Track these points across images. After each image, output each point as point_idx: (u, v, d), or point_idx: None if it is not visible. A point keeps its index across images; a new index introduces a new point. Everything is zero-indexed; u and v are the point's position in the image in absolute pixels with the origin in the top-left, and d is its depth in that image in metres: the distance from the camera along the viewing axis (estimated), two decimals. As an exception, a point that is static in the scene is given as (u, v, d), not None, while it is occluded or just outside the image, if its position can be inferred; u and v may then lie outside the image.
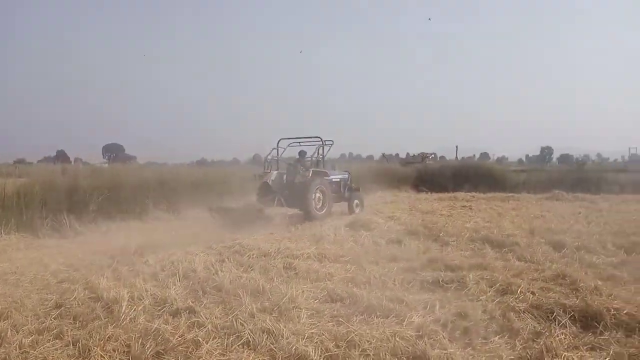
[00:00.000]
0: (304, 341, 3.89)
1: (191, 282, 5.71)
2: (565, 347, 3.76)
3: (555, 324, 4.25)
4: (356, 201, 13.77)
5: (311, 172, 12.64)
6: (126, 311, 4.63)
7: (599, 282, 5.42)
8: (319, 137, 13.33)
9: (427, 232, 9.13)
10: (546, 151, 72.77)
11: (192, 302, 4.93)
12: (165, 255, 7.13)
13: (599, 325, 4.17)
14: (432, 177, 26.34)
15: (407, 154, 50.48)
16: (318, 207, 12.34)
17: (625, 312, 4.31)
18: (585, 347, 3.78)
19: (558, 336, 3.94)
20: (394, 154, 56.35)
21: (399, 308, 4.66)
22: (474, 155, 55.79)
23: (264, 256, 7.06)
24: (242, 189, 17.02)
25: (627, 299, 4.83)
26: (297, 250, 7.30)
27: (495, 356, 3.59)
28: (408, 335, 3.98)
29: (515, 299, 4.90)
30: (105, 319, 4.57)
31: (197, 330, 4.22)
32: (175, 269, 6.22)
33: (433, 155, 44.52)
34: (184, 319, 4.49)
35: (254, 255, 7.12)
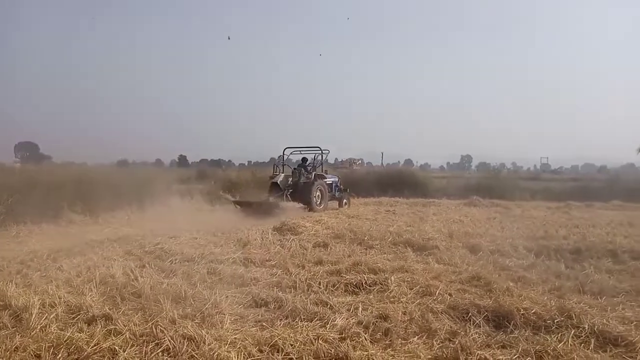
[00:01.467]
0: (226, 347, 3.84)
1: (109, 289, 5.46)
2: (479, 345, 3.95)
3: (470, 324, 4.45)
4: (345, 200, 17.65)
5: (313, 175, 16.34)
6: (37, 319, 4.35)
7: (511, 284, 5.77)
8: (318, 147, 17.10)
9: (352, 235, 9.29)
10: (466, 159, 76.58)
11: (110, 309, 4.71)
12: (81, 261, 6.79)
13: (510, 324, 4.42)
14: (358, 182, 26.84)
15: (335, 159, 51.25)
16: (318, 202, 15.94)
17: (533, 311, 4.59)
18: (497, 345, 3.99)
19: (472, 335, 4.13)
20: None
21: (323, 311, 4.71)
22: (399, 161, 57.59)
23: (187, 261, 6.90)
24: (168, 191, 16.58)
25: (535, 299, 5.16)
26: (222, 255, 7.20)
27: (413, 356, 3.71)
28: (331, 338, 4.02)
29: (434, 300, 5.11)
30: (13, 328, 4.28)
31: (114, 338, 4.04)
32: (92, 275, 5.93)
33: (360, 161, 45.44)
34: (100, 326, 4.28)
35: (177, 261, 6.94)
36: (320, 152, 17.23)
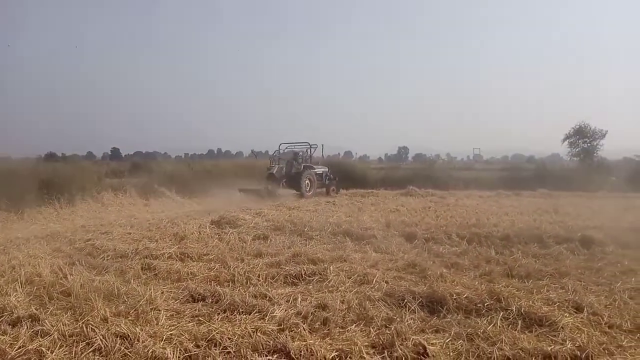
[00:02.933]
0: (162, 343, 3.74)
1: (35, 288, 5.19)
2: (414, 331, 4.06)
3: (406, 310, 4.57)
4: (332, 187, 20.54)
5: (302, 166, 19.60)
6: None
7: (444, 270, 5.99)
8: (307, 142, 21.04)
9: (292, 227, 9.30)
10: (403, 150, 78.27)
11: (36, 310, 4.48)
12: (4, 260, 6.39)
13: (443, 309, 4.58)
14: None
15: (266, 151, 50.93)
16: (307, 189, 19.08)
17: (465, 296, 4.78)
18: (430, 330, 4.12)
19: (408, 321, 4.24)
20: (263, 151, 56.45)
21: (262, 303, 4.69)
22: (339, 153, 57.94)
23: (121, 257, 6.67)
24: (100, 185, 15.95)
25: (467, 284, 5.38)
26: (158, 250, 7.00)
27: (351, 343, 3.75)
28: (270, 330, 4.01)
29: (371, 288, 5.21)
30: None
31: (40, 339, 3.84)
32: (17, 274, 5.60)
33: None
34: (25, 328, 4.06)
35: (109, 257, 6.69)
36: (309, 146, 20.94)
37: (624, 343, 3.84)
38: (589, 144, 34.15)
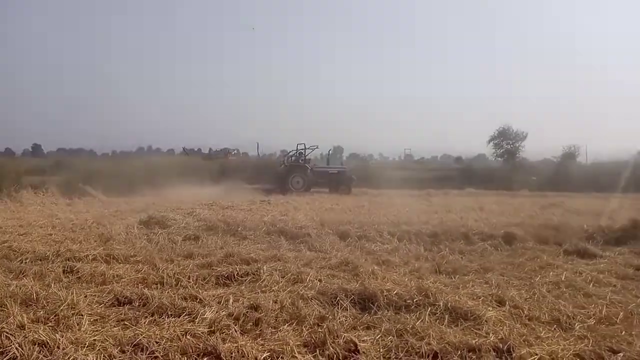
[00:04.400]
0: (84, 350, 3.55)
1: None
2: (346, 328, 4.09)
3: (338, 308, 4.60)
4: (342, 187, 22.09)
5: (289, 167, 22.75)
6: None
7: (376, 267, 6.11)
8: (303, 143, 23.19)
9: (225, 227, 9.14)
10: (338, 150, 78.96)
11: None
12: None
13: (374, 305, 4.65)
14: (235, 172, 26.58)
15: (210, 149, 50.04)
16: (298, 186, 21.69)
17: (395, 292, 4.87)
18: (362, 327, 4.18)
19: (340, 319, 4.28)
20: (196, 149, 55.24)
21: (193, 305, 4.57)
22: (276, 152, 57.74)
23: (40, 260, 6.27)
24: (19, 184, 15.02)
25: (398, 280, 5.51)
26: (81, 252, 6.65)
27: (283, 343, 3.73)
28: (200, 332, 3.91)
29: (305, 287, 5.20)
30: None
31: (-53, 351, 3.54)
32: None
33: (236, 151, 44.90)
34: None
35: (28, 260, 6.28)
36: (304, 147, 23.19)
37: (542, 334, 4.06)
38: (511, 146, 36.08)
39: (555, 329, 4.24)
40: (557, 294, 5.34)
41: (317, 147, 25.03)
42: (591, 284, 5.72)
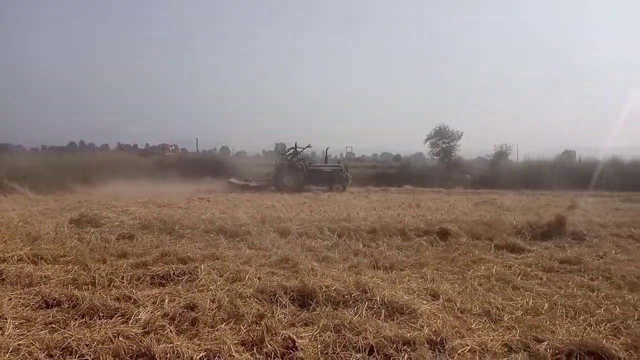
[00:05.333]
0: (7, 355, 3.36)
1: None
2: (284, 325, 4.08)
3: (277, 305, 4.59)
4: (338, 186, 22.38)
5: (281, 165, 23.32)
6: None
7: (315, 264, 6.13)
8: (295, 143, 24.02)
9: (162, 225, 8.89)
10: (280, 147, 78.64)
11: None
12: None
13: (313, 302, 4.66)
14: (172, 169, 25.97)
15: (147, 144, 48.67)
16: (289, 184, 22.10)
17: (334, 288, 4.90)
18: (300, 324, 4.18)
19: (278, 316, 4.27)
20: (131, 144, 53.47)
21: (126, 306, 4.41)
22: (215, 148, 56.78)
23: (-41, 262, 5.86)
24: None
25: (337, 276, 5.56)
26: (6, 252, 6.26)
27: (220, 342, 3.67)
28: (133, 334, 3.79)
29: (243, 285, 5.14)
30: None
31: None
32: None
33: (174, 147, 43.87)
34: None
35: (-56, 262, 5.85)
36: (300, 148, 24.03)
37: (473, 326, 4.22)
38: (447, 145, 37.27)
39: (485, 320, 4.42)
40: (488, 287, 5.57)
41: (309, 146, 26.01)
42: (519, 277, 6.01)
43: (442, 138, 37.36)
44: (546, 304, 4.88)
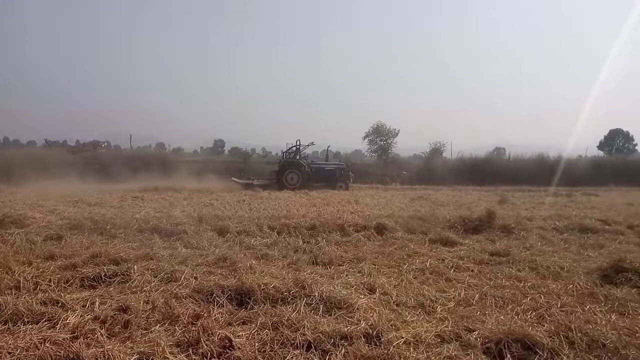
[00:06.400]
0: None
1: None
2: (221, 325, 4.02)
3: (214, 305, 4.51)
4: (340, 184, 22.78)
5: (285, 163, 23.07)
6: None
7: (254, 262, 6.07)
8: (299, 140, 23.84)
9: (93, 225, 8.52)
10: (219, 143, 77.47)
11: None
12: None
13: (251, 300, 4.62)
14: (104, 166, 24.99)
15: (77, 141, 46.55)
16: (292, 183, 22.11)
17: (272, 285, 4.87)
18: (238, 322, 4.14)
19: (215, 316, 4.20)
20: (60, 141, 50.94)
21: (53, 310, 4.19)
22: (150, 145, 55.08)
23: None
24: None
25: (275, 274, 5.53)
26: None
27: (154, 345, 3.57)
28: (61, 339, 3.60)
29: (179, 285, 5.02)
30: None
31: None
32: None
33: (106, 144, 42.27)
34: None
35: None
36: (299, 144, 23.77)
37: (408, 318, 4.33)
38: (384, 142, 38.04)
39: (419, 312, 4.56)
40: (422, 279, 5.75)
41: (313, 144, 26.30)
42: (452, 270, 6.23)
43: (380, 135, 38.07)
44: (477, 295, 5.08)
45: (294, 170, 22.64)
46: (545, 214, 11.62)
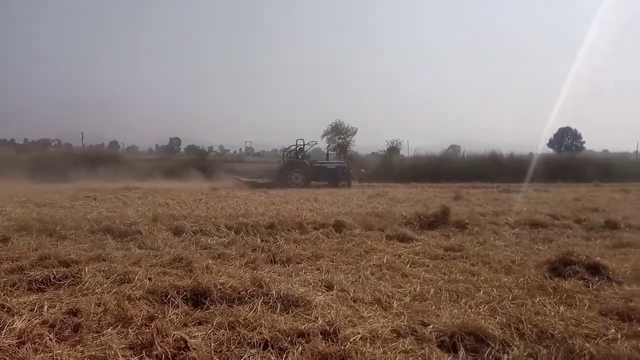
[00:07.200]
0: None
1: None
2: (176, 326, 3.95)
3: (169, 306, 4.42)
4: (343, 182, 23.46)
5: (287, 162, 24.02)
6: None
7: (210, 262, 5.99)
8: (302, 139, 24.67)
9: (41, 226, 8.20)
10: (175, 142, 76.03)
11: None
12: None
13: (207, 300, 4.56)
14: (55, 165, 24.13)
15: (25, 139, 44.87)
16: (297, 182, 22.93)
17: (229, 285, 4.81)
18: (193, 323, 4.06)
19: (170, 317, 4.12)
20: (8, 139, 48.95)
21: (-1, 315, 4.02)
22: (103, 143, 53.60)
23: None
24: None
25: (232, 273, 5.47)
26: None
27: (106, 348, 3.48)
28: (7, 345, 3.46)
29: (132, 287, 4.90)
30: None
31: None
32: None
33: (56, 142, 40.88)
34: None
35: None
36: (303, 143, 24.53)
37: (364, 314, 4.36)
38: (343, 140, 38.32)
39: (376, 308, 4.59)
40: (379, 275, 5.81)
41: (315, 143, 27.75)
42: (408, 265, 6.32)
43: (339, 134, 38.36)
44: (432, 290, 5.17)
45: (298, 169, 23.41)
46: (498, 210, 11.95)
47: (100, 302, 4.40)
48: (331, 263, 6.38)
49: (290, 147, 24.98)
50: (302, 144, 24.68)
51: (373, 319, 4.25)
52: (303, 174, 23.34)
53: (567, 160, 33.41)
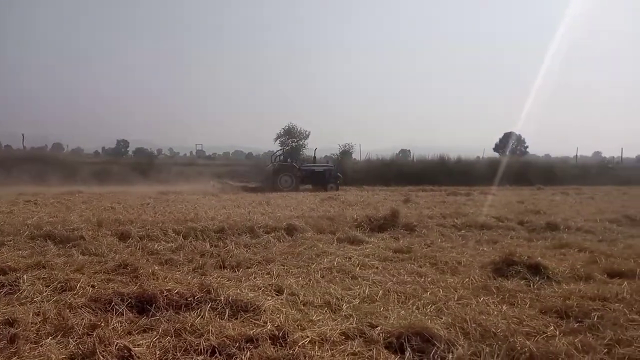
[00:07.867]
0: None
1: None
2: (120, 334, 3.84)
3: (112, 314, 4.29)
4: (331, 185, 23.57)
5: (276, 165, 23.99)
6: None
7: (157, 268, 5.84)
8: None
9: (-24, 233, 7.78)
10: (122, 144, 73.92)
11: None
12: None
13: (153, 307, 4.44)
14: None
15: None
16: (286, 185, 22.94)
17: (176, 291, 4.71)
18: (138, 331, 3.96)
19: (114, 325, 3.99)
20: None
21: None
22: (46, 145, 51.48)
23: None
24: None
25: (180, 279, 5.38)
26: None
27: (44, 359, 3.34)
28: None
29: (74, 295, 4.74)
30: None
31: None
32: None
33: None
34: None
35: None
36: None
37: (314, 317, 4.37)
38: (296, 143, 38.38)
39: (326, 311, 4.60)
40: (330, 278, 5.83)
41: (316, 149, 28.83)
42: (358, 268, 6.37)
43: (291, 137, 38.36)
44: (381, 291, 5.24)
45: (287, 173, 23.64)
46: (445, 212, 12.23)
47: (39, 312, 4.23)
48: (282, 267, 6.35)
49: (277, 151, 25.46)
50: (290, 147, 25.42)
51: (322, 322, 4.26)
52: (292, 178, 23.54)
53: (512, 164, 34.57)
